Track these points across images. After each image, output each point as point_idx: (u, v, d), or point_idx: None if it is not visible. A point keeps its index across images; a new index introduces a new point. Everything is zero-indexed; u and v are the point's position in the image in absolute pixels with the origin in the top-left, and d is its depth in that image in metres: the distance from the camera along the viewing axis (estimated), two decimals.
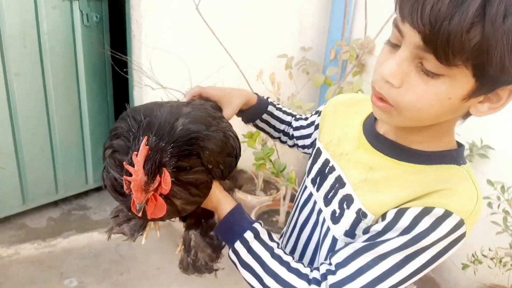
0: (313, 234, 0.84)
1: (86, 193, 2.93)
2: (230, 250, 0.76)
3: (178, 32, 2.34)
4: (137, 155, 0.63)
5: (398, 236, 0.64)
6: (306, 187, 0.90)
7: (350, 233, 0.74)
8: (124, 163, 0.63)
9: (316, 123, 1.01)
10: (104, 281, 2.29)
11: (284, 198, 2.44)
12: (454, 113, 0.63)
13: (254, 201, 2.63)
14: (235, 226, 0.76)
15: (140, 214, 0.65)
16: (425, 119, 0.64)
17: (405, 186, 0.69)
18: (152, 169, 0.63)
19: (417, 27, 0.54)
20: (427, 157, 0.71)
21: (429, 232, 0.63)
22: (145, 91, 2.34)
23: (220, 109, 0.98)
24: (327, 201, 0.80)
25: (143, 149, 0.63)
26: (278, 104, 1.11)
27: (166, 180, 0.65)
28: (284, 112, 1.11)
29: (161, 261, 2.44)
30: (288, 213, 2.50)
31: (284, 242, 0.94)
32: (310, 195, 0.88)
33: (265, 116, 1.07)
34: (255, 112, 1.06)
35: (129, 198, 0.66)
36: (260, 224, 0.77)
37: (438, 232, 0.63)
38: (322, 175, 0.85)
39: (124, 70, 2.33)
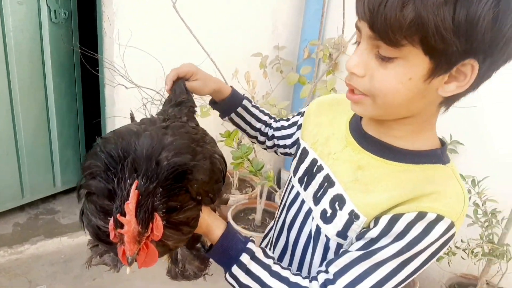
0: (302, 232, 0.85)
1: (53, 197, 2.82)
2: (227, 274, 0.75)
3: (152, 30, 2.30)
4: (127, 203, 0.57)
5: (392, 242, 0.67)
6: (293, 186, 0.90)
7: (342, 234, 0.75)
8: (118, 215, 0.57)
9: (299, 123, 1.02)
10: (76, 287, 2.22)
11: (260, 196, 2.44)
12: (424, 97, 0.65)
13: (230, 200, 2.61)
14: (229, 249, 0.75)
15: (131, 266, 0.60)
16: (398, 106, 0.66)
17: (395, 185, 0.71)
18: (146, 217, 0.58)
19: (363, 18, 0.62)
20: (413, 156, 0.73)
21: (422, 237, 0.65)
22: (117, 90, 2.28)
23: (193, 114, 0.97)
24: (316, 200, 0.81)
25: (133, 196, 0.57)
26: (254, 103, 1.12)
27: (158, 226, 0.60)
28: (262, 111, 1.12)
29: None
30: (264, 211, 2.51)
31: (273, 241, 0.94)
32: (297, 194, 0.88)
33: (240, 110, 1.08)
34: (230, 103, 1.07)
35: (115, 245, 0.60)
36: (253, 242, 0.77)
37: (431, 236, 0.66)
38: (309, 174, 0.85)
39: (97, 68, 2.26)
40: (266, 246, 0.99)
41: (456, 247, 1.91)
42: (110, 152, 0.65)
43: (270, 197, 2.69)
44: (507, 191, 1.89)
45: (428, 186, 0.68)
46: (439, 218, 0.65)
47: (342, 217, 0.74)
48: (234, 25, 2.58)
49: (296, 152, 0.94)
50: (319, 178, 0.82)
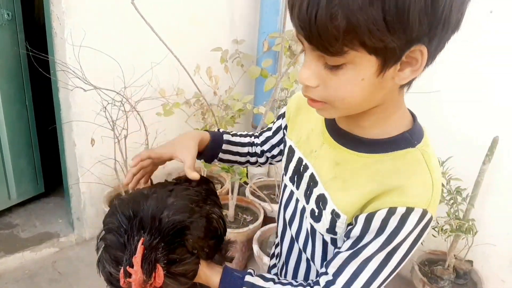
0: (301, 229, 0.86)
1: (9, 210, 2.65)
2: None
3: (107, 28, 2.20)
4: (134, 257, 0.69)
5: (374, 238, 0.69)
6: (286, 185, 0.91)
7: (331, 231, 0.77)
8: (127, 268, 0.69)
9: (283, 126, 1.01)
10: None
11: (232, 192, 2.41)
12: (382, 89, 0.65)
13: None
14: None
15: None
16: (359, 104, 0.67)
17: (367, 179, 0.71)
18: (149, 268, 0.70)
19: (301, 34, 0.61)
20: (383, 145, 0.73)
21: (399, 230, 0.67)
22: (73, 93, 2.16)
23: (206, 181, 1.01)
24: (307, 199, 0.82)
25: (140, 251, 0.69)
26: (231, 132, 1.09)
27: (159, 275, 0.71)
28: (241, 135, 1.09)
29: None
30: (236, 206, 2.49)
31: (279, 235, 0.95)
32: (292, 193, 0.89)
33: (225, 147, 1.03)
34: (213, 146, 1.02)
35: None
36: (251, 274, 0.81)
37: (407, 228, 0.67)
38: (298, 173, 0.86)
39: (52, 71, 2.13)
40: (278, 243, 0.99)
41: None
42: (123, 212, 0.79)
43: (239, 191, 2.67)
44: (469, 169, 1.99)
45: (395, 178, 0.69)
46: (409, 211, 0.66)
47: (326, 216, 0.76)
48: (190, 20, 2.52)
49: (284, 151, 0.93)
50: (306, 178, 0.83)
